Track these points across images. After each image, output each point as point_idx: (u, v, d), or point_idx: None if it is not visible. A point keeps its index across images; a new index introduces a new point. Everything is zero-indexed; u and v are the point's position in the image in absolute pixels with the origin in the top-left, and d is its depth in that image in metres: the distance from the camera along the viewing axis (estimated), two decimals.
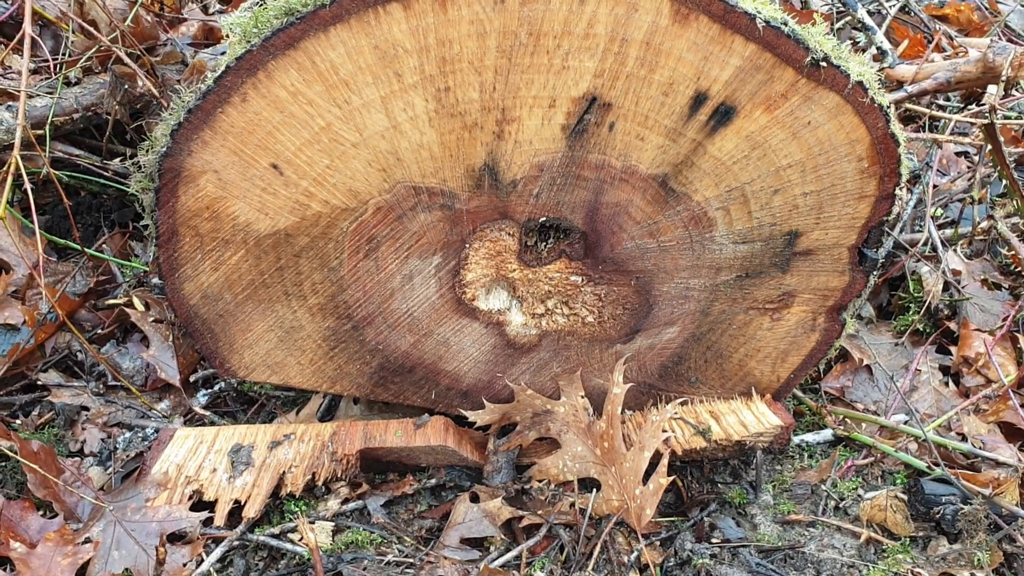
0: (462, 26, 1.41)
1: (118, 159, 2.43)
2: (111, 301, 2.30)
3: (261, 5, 1.47)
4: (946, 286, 2.34)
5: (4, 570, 1.61)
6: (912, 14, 3.38)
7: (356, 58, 1.43)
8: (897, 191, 1.67)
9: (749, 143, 1.57)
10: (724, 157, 1.58)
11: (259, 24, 1.44)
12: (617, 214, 1.66)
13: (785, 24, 1.46)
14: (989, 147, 2.21)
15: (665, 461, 1.70)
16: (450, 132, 1.53)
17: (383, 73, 1.45)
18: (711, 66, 1.48)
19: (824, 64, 1.49)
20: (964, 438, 2.01)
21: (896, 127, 1.60)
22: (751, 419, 1.88)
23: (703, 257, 1.72)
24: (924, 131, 2.82)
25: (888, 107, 1.58)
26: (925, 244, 2.39)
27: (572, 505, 1.80)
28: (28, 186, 1.83)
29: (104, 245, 2.42)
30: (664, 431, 1.74)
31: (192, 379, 2.16)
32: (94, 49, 2.35)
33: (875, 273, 1.80)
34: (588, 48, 1.45)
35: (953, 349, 2.27)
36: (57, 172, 2.20)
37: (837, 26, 3.14)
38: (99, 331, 2.25)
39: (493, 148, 1.56)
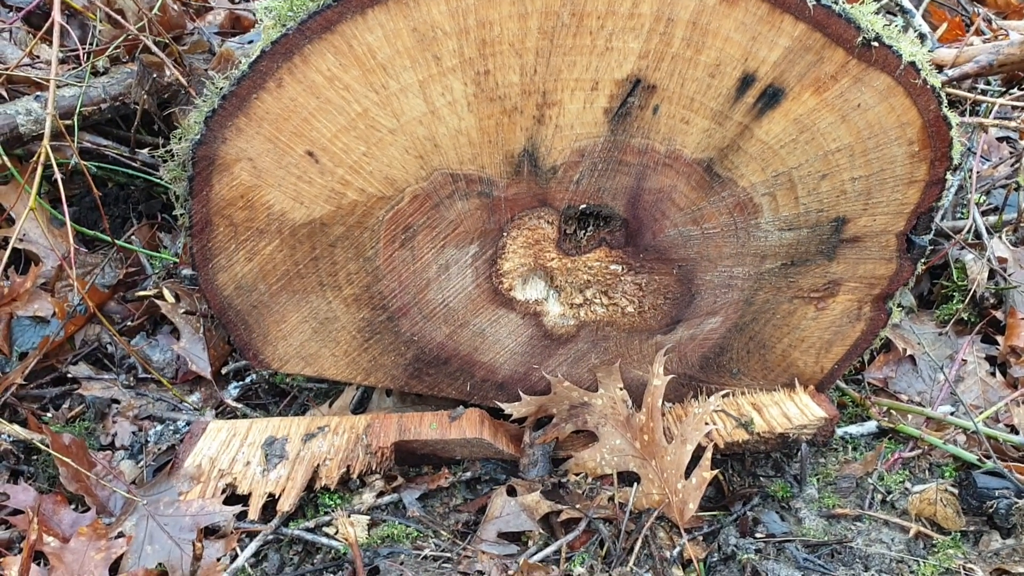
0: (503, 7, 1.37)
1: (146, 149, 2.41)
2: (141, 293, 2.28)
3: None
4: (991, 274, 2.29)
5: (38, 564, 1.59)
6: None
7: (394, 41, 1.39)
8: (947, 176, 1.62)
9: (797, 126, 1.52)
10: (771, 141, 1.54)
11: (294, 8, 1.40)
12: (660, 200, 1.61)
13: (836, 3, 1.42)
14: None
15: (709, 454, 1.67)
16: (489, 117, 1.49)
17: (421, 57, 1.41)
18: (759, 47, 1.43)
19: (876, 44, 1.44)
20: (1014, 430, 1.95)
21: (947, 109, 1.55)
22: (794, 411, 1.84)
23: (748, 245, 1.68)
24: (966, 116, 2.75)
25: (940, 89, 1.53)
26: (969, 231, 2.34)
27: (611, 499, 1.77)
28: (58, 177, 1.81)
29: (133, 236, 2.40)
30: (706, 424, 1.71)
31: (223, 371, 2.14)
32: (122, 38, 2.32)
33: (922, 260, 1.75)
34: (633, 28, 1.40)
35: (1000, 339, 2.22)
36: (85, 163, 2.17)
37: (873, 9, 3.08)
38: (129, 323, 2.23)
39: (533, 133, 1.52)
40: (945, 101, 1.54)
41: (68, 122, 2.16)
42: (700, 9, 1.39)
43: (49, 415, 2.00)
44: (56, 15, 1.84)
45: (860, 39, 1.43)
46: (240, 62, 1.46)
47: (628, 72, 1.45)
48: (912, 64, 1.47)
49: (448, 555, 1.67)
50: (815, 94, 1.49)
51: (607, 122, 1.51)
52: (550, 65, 1.44)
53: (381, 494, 1.81)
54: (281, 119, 1.46)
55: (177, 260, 2.32)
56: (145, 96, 2.28)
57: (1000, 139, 2.87)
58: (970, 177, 2.43)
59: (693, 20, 1.40)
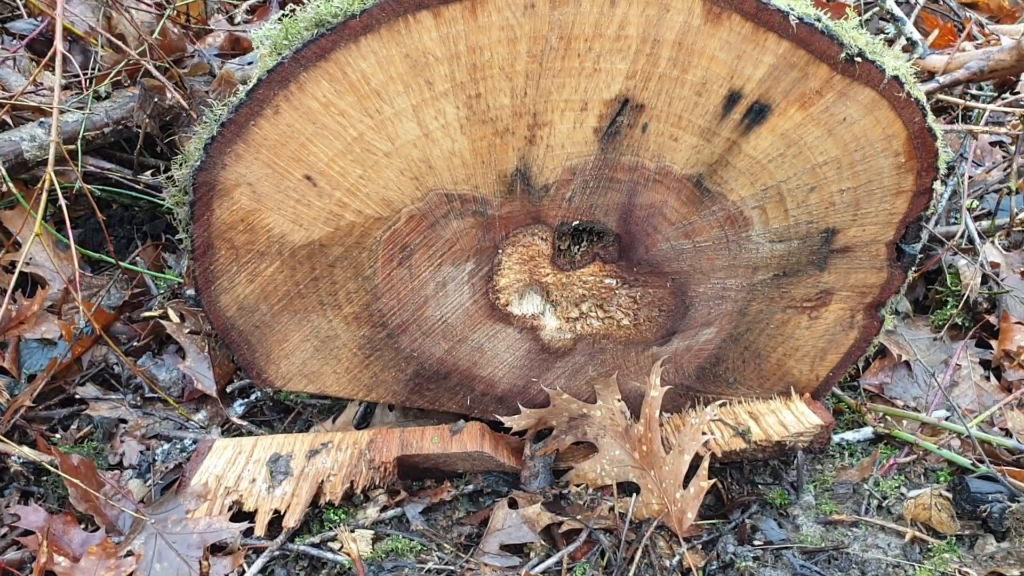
0: (492, 32, 1.41)
1: (149, 172, 2.44)
2: (146, 314, 2.31)
3: (290, 16, 1.47)
4: (984, 279, 2.31)
5: None
6: (941, 2, 3.33)
7: (387, 67, 1.43)
8: (935, 185, 1.65)
9: (784, 141, 1.55)
10: (759, 156, 1.57)
11: (289, 36, 1.44)
12: (651, 216, 1.64)
13: (819, 20, 1.44)
14: None
15: (706, 464, 1.69)
16: (481, 138, 1.52)
17: (414, 82, 1.45)
18: (744, 65, 1.46)
19: (859, 59, 1.47)
20: (1009, 434, 1.97)
21: (933, 121, 1.58)
22: (790, 419, 1.87)
23: (740, 257, 1.70)
24: (958, 122, 2.78)
25: (924, 101, 1.55)
26: (961, 236, 2.36)
27: (611, 509, 1.79)
28: (63, 202, 1.84)
29: (137, 258, 2.44)
30: (704, 433, 1.73)
31: (228, 389, 2.17)
32: (123, 63, 2.37)
33: (912, 268, 1.78)
34: (620, 50, 1.44)
35: (993, 343, 2.24)
36: (89, 186, 2.21)
37: (865, 17, 3.10)
38: (135, 344, 2.27)
39: (525, 153, 1.55)
40: (930, 113, 1.57)
41: (72, 147, 2.19)
42: (685, 30, 1.42)
43: (58, 436, 2.03)
44: (58, 43, 1.87)
45: (843, 55, 1.46)
46: (239, 87, 1.50)
47: (616, 92, 1.48)
48: (896, 78, 1.50)
49: (451, 568, 1.70)
50: (801, 109, 1.52)
51: (597, 141, 1.54)
52: (540, 87, 1.47)
53: (385, 508, 1.84)
54: (279, 145, 1.50)
55: (181, 280, 2.36)
56: (147, 119, 2.32)
57: (992, 143, 2.90)
58: (962, 182, 2.45)
59: (679, 41, 1.43)
